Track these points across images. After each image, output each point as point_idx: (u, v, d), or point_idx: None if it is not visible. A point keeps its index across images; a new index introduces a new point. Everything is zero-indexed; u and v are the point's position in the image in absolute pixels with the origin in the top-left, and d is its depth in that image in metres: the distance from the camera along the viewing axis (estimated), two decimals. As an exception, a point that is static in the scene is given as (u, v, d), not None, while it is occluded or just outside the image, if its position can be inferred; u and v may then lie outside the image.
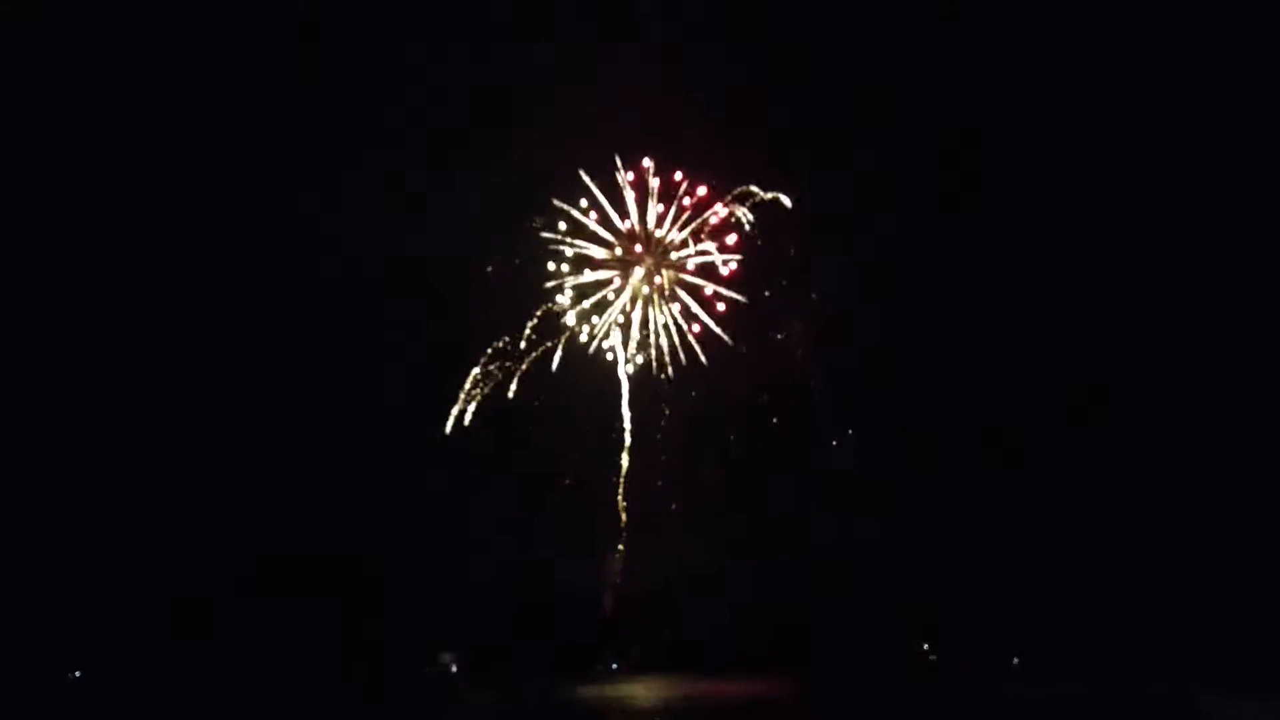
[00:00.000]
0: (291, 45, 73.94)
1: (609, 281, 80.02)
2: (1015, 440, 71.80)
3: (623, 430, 79.23)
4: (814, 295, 77.52)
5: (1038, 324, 72.17)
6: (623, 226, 79.45)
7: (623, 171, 78.95)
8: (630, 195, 79.31)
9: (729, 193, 78.50)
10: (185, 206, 75.55)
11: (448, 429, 78.73)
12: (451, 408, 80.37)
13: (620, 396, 79.31)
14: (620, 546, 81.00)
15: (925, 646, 76.74)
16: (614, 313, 79.46)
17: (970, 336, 72.93)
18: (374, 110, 76.30)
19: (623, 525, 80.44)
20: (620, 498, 79.25)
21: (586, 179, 78.38)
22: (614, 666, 77.71)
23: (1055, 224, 71.29)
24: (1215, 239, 67.33)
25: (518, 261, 78.59)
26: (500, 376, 79.72)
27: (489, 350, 79.65)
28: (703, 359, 77.28)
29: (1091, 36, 68.51)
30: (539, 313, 78.91)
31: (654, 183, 79.16)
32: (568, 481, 79.62)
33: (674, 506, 78.95)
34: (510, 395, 78.90)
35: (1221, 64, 64.43)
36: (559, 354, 78.56)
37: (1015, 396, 71.93)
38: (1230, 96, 64.73)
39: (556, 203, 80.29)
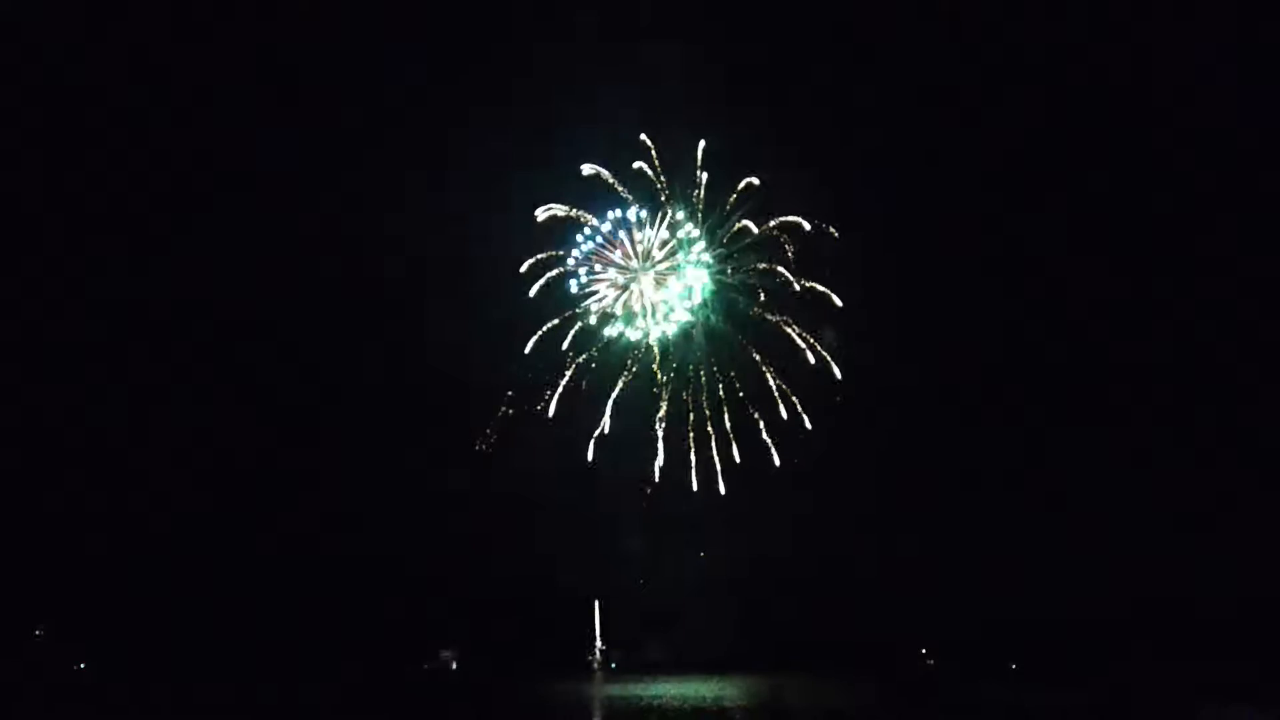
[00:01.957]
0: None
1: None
2: (1017, 446, 71.58)
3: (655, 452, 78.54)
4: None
5: (1036, 330, 71.89)
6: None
7: (655, 167, 74.54)
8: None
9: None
10: (208, 224, 76.26)
11: (484, 445, 78.68)
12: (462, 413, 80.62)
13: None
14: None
15: (923, 651, 76.58)
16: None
17: (971, 344, 72.63)
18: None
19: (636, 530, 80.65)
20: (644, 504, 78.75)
21: (608, 179, 74.66)
22: (613, 666, 78.14)
23: (1063, 232, 70.99)
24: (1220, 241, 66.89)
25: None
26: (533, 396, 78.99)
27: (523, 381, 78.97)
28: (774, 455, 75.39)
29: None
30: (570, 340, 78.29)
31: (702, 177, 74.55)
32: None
33: (685, 514, 78.92)
34: (550, 413, 78.54)
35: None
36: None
37: (1018, 403, 71.79)
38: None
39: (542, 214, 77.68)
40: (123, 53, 70.52)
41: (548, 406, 76.00)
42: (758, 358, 74.94)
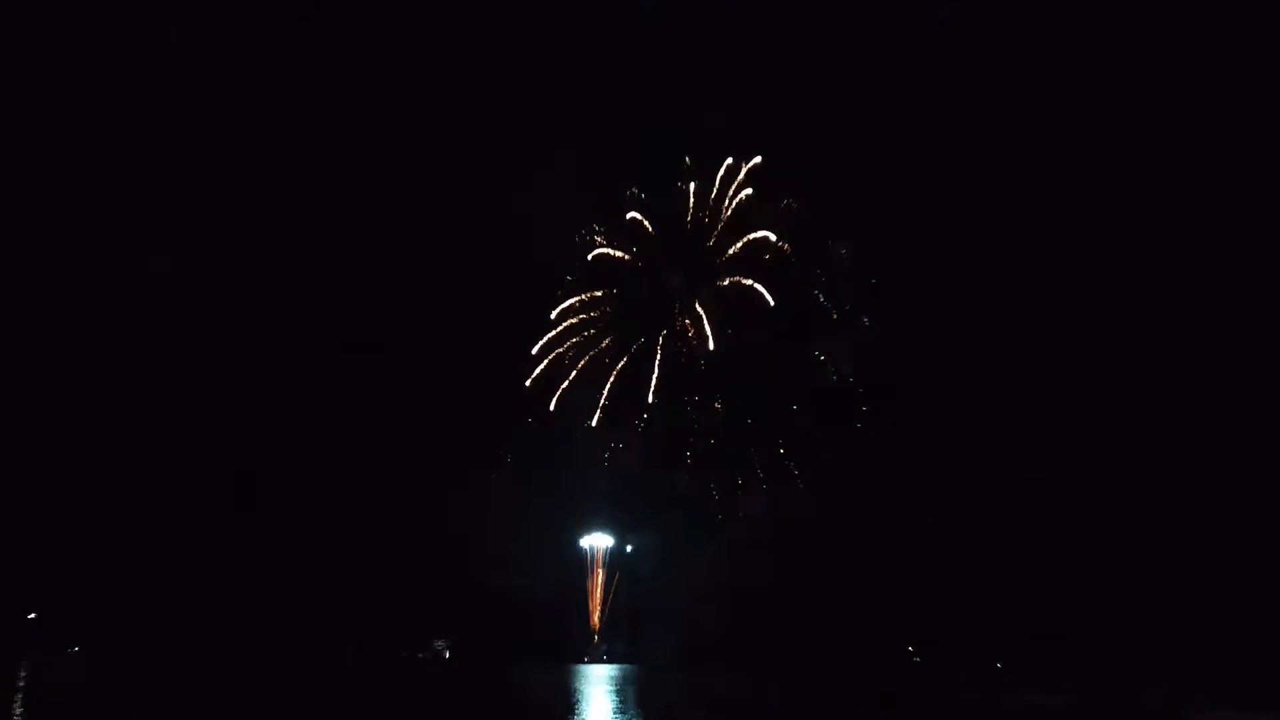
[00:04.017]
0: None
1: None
2: (1007, 453, 72.10)
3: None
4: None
5: (1029, 342, 72.35)
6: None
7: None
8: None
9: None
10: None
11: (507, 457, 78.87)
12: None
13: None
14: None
15: (910, 649, 77.07)
16: None
17: (965, 354, 73.04)
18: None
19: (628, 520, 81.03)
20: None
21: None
22: (604, 658, 78.63)
23: (1056, 239, 71.30)
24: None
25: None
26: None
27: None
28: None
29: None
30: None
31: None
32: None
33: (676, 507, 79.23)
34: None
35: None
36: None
37: (1009, 411, 72.21)
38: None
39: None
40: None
41: (589, 421, 76.50)
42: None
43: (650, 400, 78.33)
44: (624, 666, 75.55)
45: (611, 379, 78.11)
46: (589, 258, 78.73)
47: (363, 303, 78.46)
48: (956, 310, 75.39)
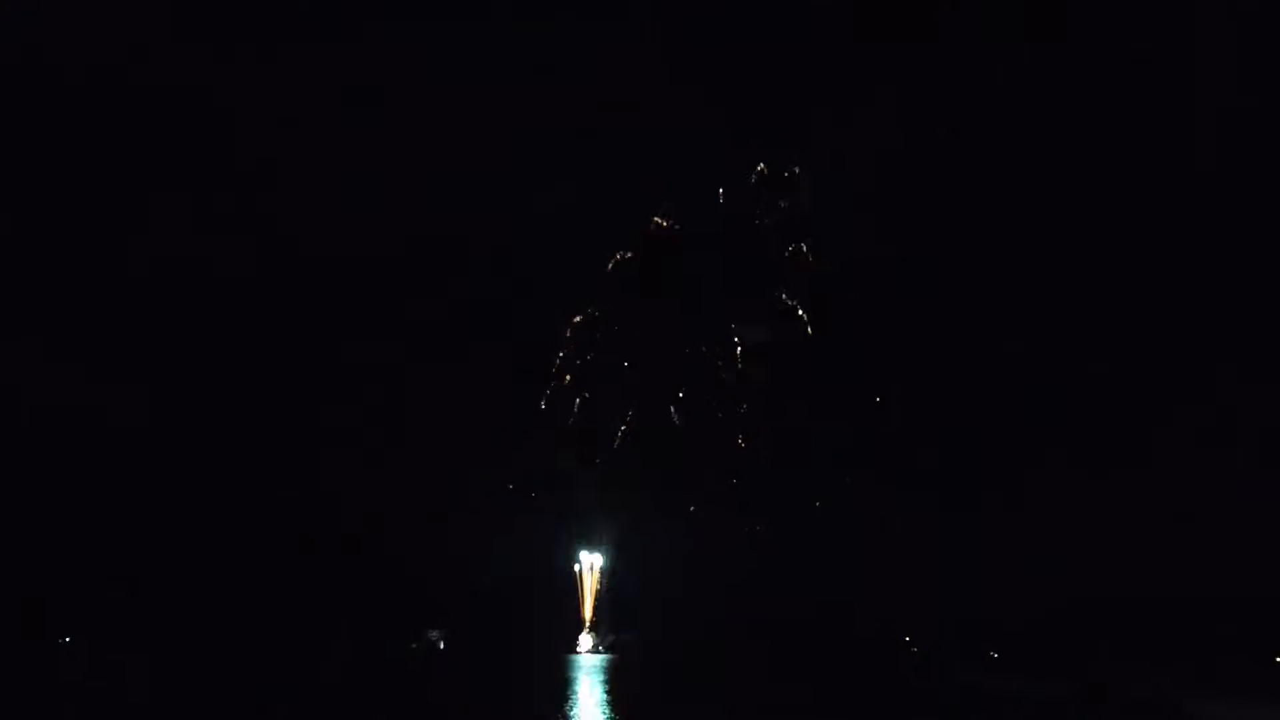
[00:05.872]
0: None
1: None
2: (1001, 441, 71.94)
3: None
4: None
5: (1017, 332, 72.07)
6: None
7: None
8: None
9: None
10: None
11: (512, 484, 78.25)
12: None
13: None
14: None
15: (907, 639, 77.14)
16: None
17: (950, 345, 72.78)
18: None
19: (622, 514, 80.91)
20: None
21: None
22: (600, 649, 78.64)
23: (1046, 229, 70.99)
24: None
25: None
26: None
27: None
28: None
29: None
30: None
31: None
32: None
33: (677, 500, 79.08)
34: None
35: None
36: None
37: (1001, 399, 72.05)
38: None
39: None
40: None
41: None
42: None
43: (674, 422, 77.79)
44: (621, 654, 75.61)
45: (630, 404, 77.60)
46: (610, 267, 77.60)
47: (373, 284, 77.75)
48: (954, 302, 75.10)
